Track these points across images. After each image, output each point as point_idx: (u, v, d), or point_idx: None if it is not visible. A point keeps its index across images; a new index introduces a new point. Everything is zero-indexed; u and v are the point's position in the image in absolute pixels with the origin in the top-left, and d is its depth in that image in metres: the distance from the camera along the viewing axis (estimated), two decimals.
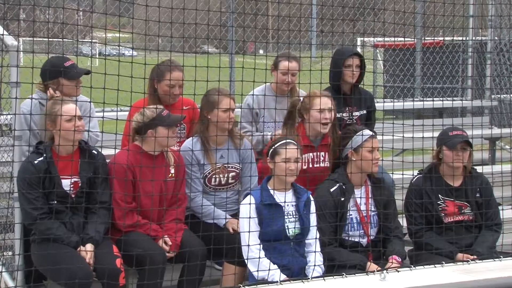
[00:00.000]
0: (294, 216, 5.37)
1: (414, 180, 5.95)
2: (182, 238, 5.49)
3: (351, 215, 5.58)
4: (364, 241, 5.61)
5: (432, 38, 8.93)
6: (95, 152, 5.39)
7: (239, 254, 5.28)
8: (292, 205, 5.40)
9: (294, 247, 5.35)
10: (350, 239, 5.57)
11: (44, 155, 5.16)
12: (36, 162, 5.14)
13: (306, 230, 5.37)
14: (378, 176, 5.77)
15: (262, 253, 5.20)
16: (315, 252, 5.32)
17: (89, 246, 5.16)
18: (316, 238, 5.37)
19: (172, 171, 5.61)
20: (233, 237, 5.49)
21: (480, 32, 11.31)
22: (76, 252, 5.11)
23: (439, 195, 5.85)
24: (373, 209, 5.64)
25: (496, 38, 10.31)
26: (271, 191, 5.38)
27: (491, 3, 10.05)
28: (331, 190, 5.57)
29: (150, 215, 5.51)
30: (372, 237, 5.62)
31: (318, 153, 6.01)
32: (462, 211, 5.85)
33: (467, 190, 5.85)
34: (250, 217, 5.21)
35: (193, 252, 5.39)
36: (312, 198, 5.47)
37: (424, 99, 10.24)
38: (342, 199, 5.53)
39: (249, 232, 5.18)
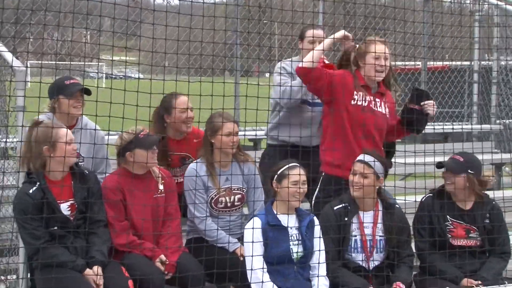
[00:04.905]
0: (298, 239, 5.38)
1: (424, 199, 5.93)
2: (180, 261, 5.47)
3: (356, 237, 5.56)
4: (366, 265, 5.57)
5: (442, 62, 8.90)
6: (87, 172, 5.36)
7: (243, 278, 5.27)
8: (296, 228, 5.40)
9: (298, 270, 5.34)
10: (354, 261, 5.54)
11: (38, 183, 5.08)
12: (31, 191, 5.04)
13: (309, 253, 5.36)
14: (391, 201, 5.74)
15: (267, 276, 5.19)
16: (318, 276, 5.30)
17: (98, 269, 5.10)
18: (322, 263, 5.34)
19: (161, 187, 5.62)
20: (238, 261, 5.47)
21: (487, 56, 11.30)
22: (82, 276, 5.05)
23: (448, 217, 5.83)
24: (381, 234, 5.61)
25: (502, 62, 10.30)
26: (276, 214, 5.39)
27: (496, 27, 10.05)
28: (335, 208, 5.55)
29: (142, 234, 5.48)
30: (377, 262, 5.58)
31: (374, 98, 5.88)
32: (470, 234, 5.83)
33: (476, 214, 5.83)
34: (254, 241, 5.21)
35: (189, 276, 5.36)
36: (316, 222, 5.46)
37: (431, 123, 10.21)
38: (346, 218, 5.52)
39: (252, 256, 5.18)
